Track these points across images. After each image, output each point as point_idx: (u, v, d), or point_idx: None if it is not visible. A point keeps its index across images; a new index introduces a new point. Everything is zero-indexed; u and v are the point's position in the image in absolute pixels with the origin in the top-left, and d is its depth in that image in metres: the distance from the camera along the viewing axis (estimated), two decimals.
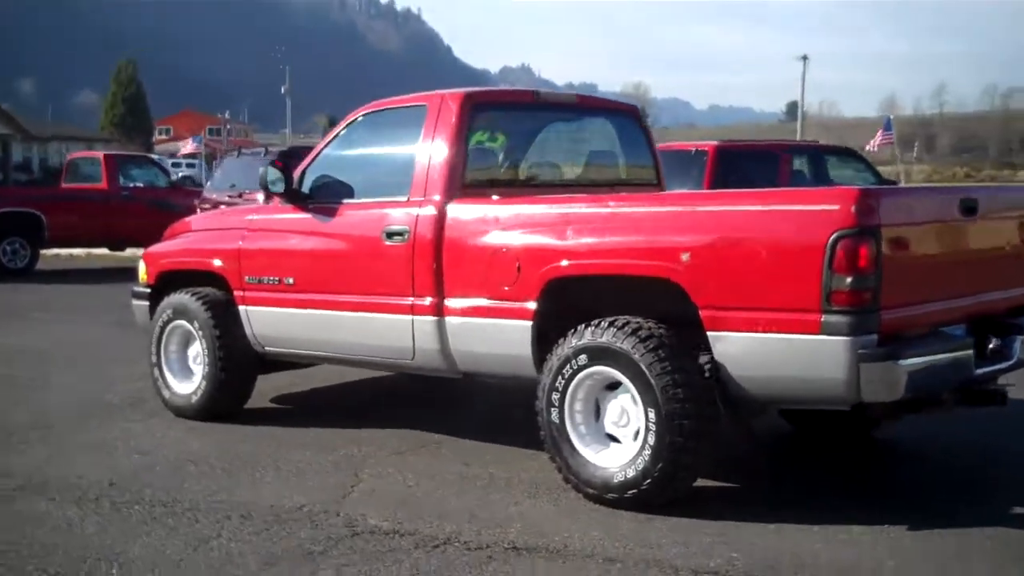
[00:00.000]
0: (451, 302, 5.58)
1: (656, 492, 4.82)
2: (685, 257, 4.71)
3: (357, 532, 4.68)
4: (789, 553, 4.36)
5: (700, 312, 4.70)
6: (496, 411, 7.18)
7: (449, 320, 5.60)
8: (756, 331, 4.58)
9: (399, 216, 5.78)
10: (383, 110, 6.39)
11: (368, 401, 7.74)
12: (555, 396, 5.12)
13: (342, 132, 6.37)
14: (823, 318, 4.40)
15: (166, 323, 6.96)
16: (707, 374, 4.72)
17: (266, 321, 6.49)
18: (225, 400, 6.79)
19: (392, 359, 5.99)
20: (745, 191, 5.41)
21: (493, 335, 5.45)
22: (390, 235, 5.79)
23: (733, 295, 4.63)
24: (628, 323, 4.91)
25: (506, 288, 5.31)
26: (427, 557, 4.37)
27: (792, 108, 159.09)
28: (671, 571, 4.20)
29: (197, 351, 6.88)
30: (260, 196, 13.74)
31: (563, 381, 5.09)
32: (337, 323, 6.12)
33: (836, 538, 4.53)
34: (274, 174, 6.21)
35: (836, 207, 4.39)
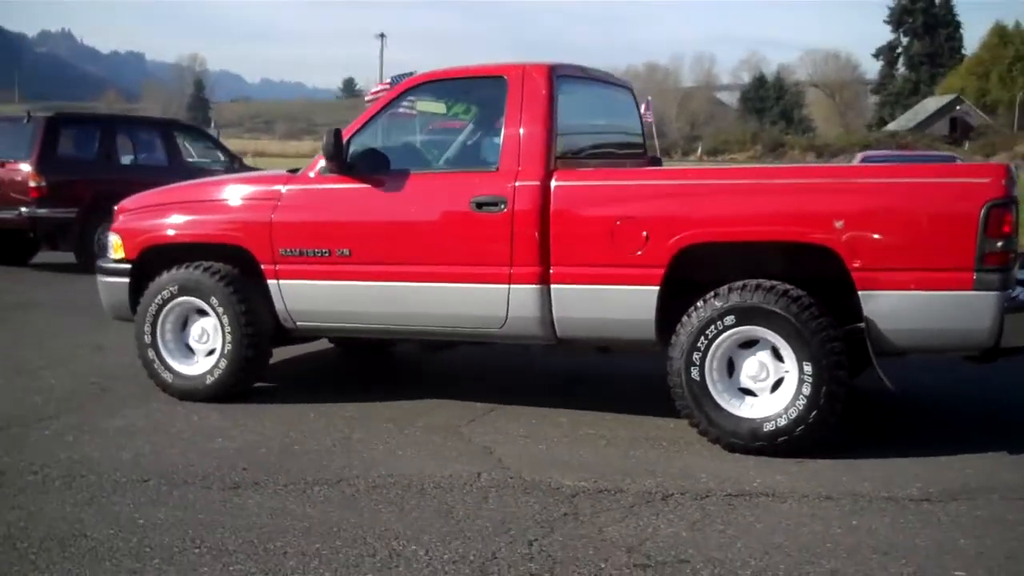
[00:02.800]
0: (559, 270, 5.73)
1: (806, 438, 5.31)
2: (839, 224, 5.23)
3: (573, 494, 4.79)
4: (959, 477, 5.02)
5: (852, 274, 5.24)
6: (499, 377, 7.33)
7: (556, 287, 5.75)
8: (908, 289, 5.19)
9: (490, 187, 5.83)
10: (445, 80, 6.35)
11: (350, 373, 7.60)
12: (696, 356, 5.46)
13: (395, 102, 6.25)
14: (976, 276, 5.09)
15: (166, 301, 6.48)
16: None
17: (308, 295, 6.25)
18: (248, 378, 6.47)
19: (475, 328, 6.00)
20: (900, 165, 5.99)
21: (611, 300, 5.67)
22: (480, 205, 5.82)
23: (886, 258, 5.21)
24: (774, 286, 5.35)
25: (638, 253, 5.55)
26: (672, 507, 4.61)
27: (348, 85, 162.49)
28: (891, 503, 4.70)
29: (203, 329, 6.48)
30: (24, 166, 12.66)
31: (705, 341, 5.45)
32: (407, 294, 6.03)
33: (975, 464, 5.23)
34: (336, 143, 6.00)
35: (988, 180, 5.10)
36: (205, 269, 6.42)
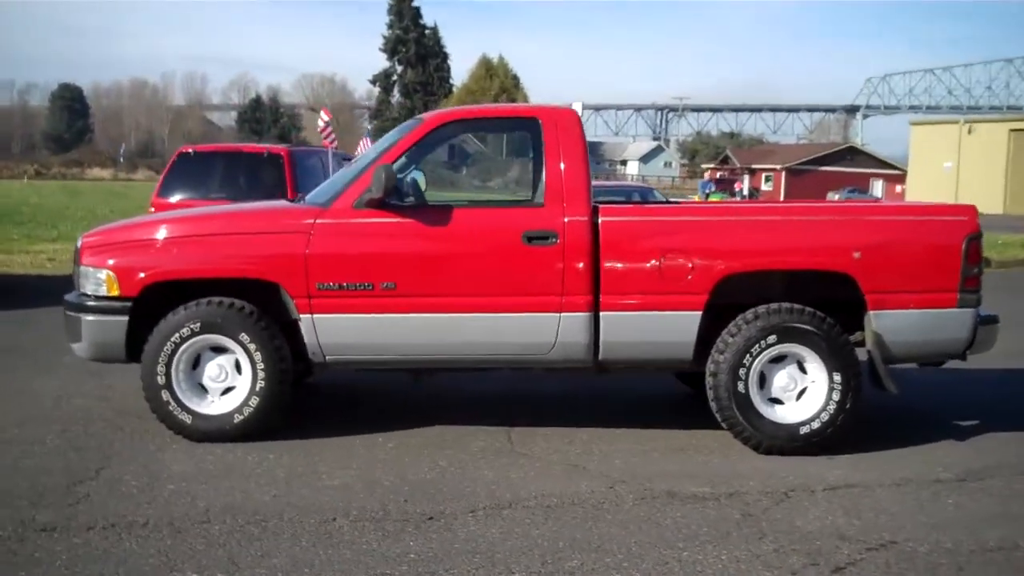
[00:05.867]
0: (608, 298, 6.31)
1: (835, 437, 6.31)
2: (857, 255, 6.30)
3: (715, 498, 5.45)
4: (979, 460, 6.21)
5: (866, 296, 6.33)
6: (474, 404, 7.66)
7: (604, 314, 6.32)
8: (908, 308, 6.36)
9: (540, 222, 6.29)
10: (474, 119, 6.66)
11: (333, 405, 7.53)
12: (742, 371, 6.29)
13: (424, 139, 6.49)
14: (959, 296, 6.37)
15: (184, 339, 6.22)
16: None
17: (346, 328, 6.30)
18: (279, 415, 6.37)
19: (522, 354, 6.39)
20: (899, 205, 7.04)
21: (658, 324, 6.33)
22: (531, 239, 6.26)
23: (892, 282, 6.34)
24: (804, 309, 6.32)
25: (687, 278, 6.25)
26: (804, 502, 5.40)
27: None
28: (944, 484, 5.77)
29: (220, 367, 6.32)
30: None
31: (750, 358, 6.29)
32: (455, 324, 6.30)
33: (964, 451, 6.46)
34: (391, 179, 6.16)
35: (965, 218, 6.41)
36: (230, 305, 6.25)
